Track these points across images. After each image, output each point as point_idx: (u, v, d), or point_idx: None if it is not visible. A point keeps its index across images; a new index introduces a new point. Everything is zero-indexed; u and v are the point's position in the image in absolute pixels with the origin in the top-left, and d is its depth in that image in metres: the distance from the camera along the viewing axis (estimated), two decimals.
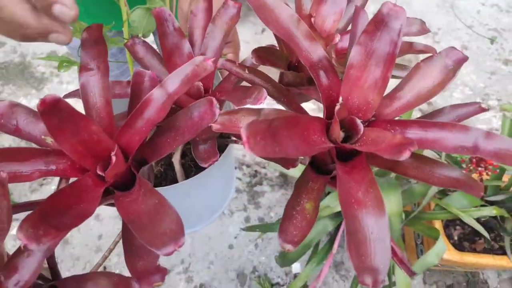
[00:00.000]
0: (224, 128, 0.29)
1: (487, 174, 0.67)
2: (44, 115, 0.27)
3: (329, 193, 0.95)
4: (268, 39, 1.58)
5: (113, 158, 0.29)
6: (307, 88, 0.41)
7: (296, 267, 1.12)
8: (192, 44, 0.41)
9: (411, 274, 0.45)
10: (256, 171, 1.27)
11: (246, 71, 0.34)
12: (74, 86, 1.46)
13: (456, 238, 0.93)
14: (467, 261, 0.85)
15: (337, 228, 0.85)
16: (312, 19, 0.38)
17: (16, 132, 0.31)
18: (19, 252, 0.28)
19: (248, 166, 1.33)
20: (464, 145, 0.26)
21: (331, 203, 0.79)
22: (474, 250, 0.90)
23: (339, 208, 0.76)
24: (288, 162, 0.32)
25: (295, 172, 0.84)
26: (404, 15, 0.29)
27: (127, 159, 0.32)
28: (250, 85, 0.35)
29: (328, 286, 1.08)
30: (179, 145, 0.31)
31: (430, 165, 0.30)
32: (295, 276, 1.11)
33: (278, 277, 1.11)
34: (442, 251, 0.73)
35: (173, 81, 0.30)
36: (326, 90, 0.32)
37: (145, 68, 0.42)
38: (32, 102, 1.39)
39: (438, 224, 0.88)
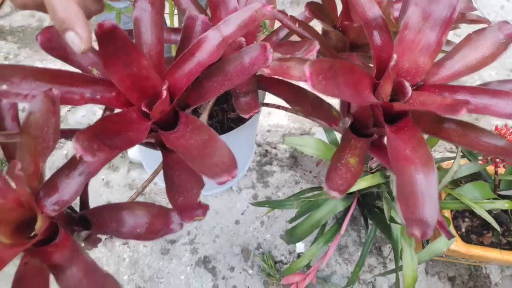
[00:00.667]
0: (275, 73, 0.29)
1: (503, 166, 0.68)
2: (100, 40, 0.28)
3: None
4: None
5: (164, 93, 0.29)
6: (349, 54, 0.41)
7: (300, 246, 1.13)
8: None
9: (450, 236, 0.46)
10: (266, 150, 1.27)
11: (297, 24, 0.34)
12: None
13: (463, 230, 0.94)
14: (473, 254, 0.86)
15: (347, 210, 0.85)
16: None
17: (63, 57, 0.31)
18: (60, 172, 0.28)
19: (259, 145, 1.33)
20: None
21: None
22: (481, 244, 0.90)
23: (351, 189, 0.76)
24: (332, 120, 0.32)
25: (309, 150, 0.84)
26: None
27: (172, 101, 0.32)
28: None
29: (330, 268, 1.09)
30: (226, 89, 0.31)
31: (475, 132, 0.30)
32: (299, 255, 1.12)
33: (282, 255, 1.12)
34: (452, 240, 0.73)
35: (229, 25, 0.30)
36: (378, 49, 0.31)
37: (182, 13, 0.42)
38: (48, 67, 1.41)
39: (447, 214, 0.89)
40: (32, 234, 0.28)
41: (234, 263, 1.12)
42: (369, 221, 0.92)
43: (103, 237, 1.10)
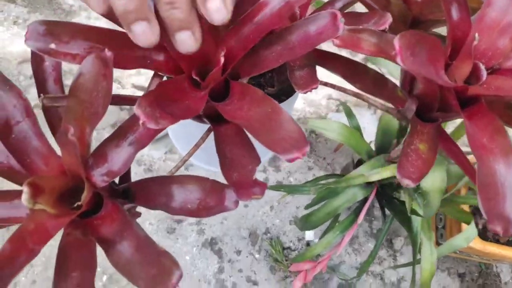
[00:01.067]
0: (345, 45, 0.27)
1: None
2: None
3: (359, 161, 0.94)
4: None
5: (221, 59, 0.26)
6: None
7: (309, 235, 1.13)
8: None
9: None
10: None
11: None
12: (102, 23, 1.33)
13: (481, 227, 0.94)
14: (489, 251, 0.86)
15: (365, 199, 0.84)
16: None
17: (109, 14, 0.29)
18: (109, 142, 0.26)
19: None
20: None
21: (366, 171, 0.78)
22: (497, 241, 0.90)
23: (372, 178, 0.74)
24: (397, 101, 0.30)
25: (332, 135, 0.81)
26: None
27: (225, 70, 0.29)
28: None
29: (339, 257, 1.10)
30: (286, 60, 0.29)
31: None
32: (308, 243, 1.12)
33: (290, 242, 1.12)
34: (473, 236, 0.73)
35: None
36: (454, 26, 0.29)
37: None
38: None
39: (467, 210, 0.88)
40: (76, 205, 0.26)
41: (241, 246, 1.12)
42: (386, 212, 0.91)
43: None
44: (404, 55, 0.20)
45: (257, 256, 1.11)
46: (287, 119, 0.24)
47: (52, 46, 0.25)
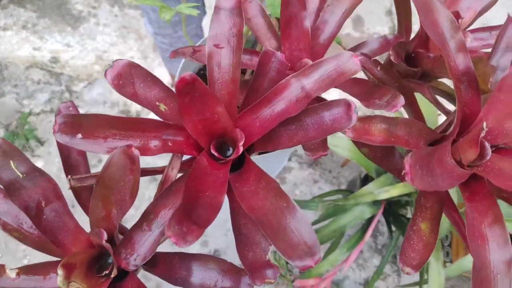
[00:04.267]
0: (358, 137, 0.30)
1: None
2: (180, 91, 0.28)
3: (366, 176, 0.96)
4: None
5: (240, 148, 0.29)
6: (420, 83, 0.40)
7: None
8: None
9: None
10: None
11: (379, 68, 0.34)
12: (110, 29, 1.41)
13: None
14: None
15: (373, 216, 0.87)
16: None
17: (133, 96, 0.32)
18: (136, 228, 0.30)
19: None
20: None
21: (375, 189, 0.80)
22: None
23: (381, 196, 0.77)
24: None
25: (342, 151, 0.83)
26: None
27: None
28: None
29: (344, 272, 1.13)
30: (300, 143, 0.31)
31: None
32: None
33: None
34: None
35: (310, 76, 0.30)
36: (464, 104, 0.32)
37: (250, 28, 0.41)
38: (66, 39, 1.38)
39: None
40: (104, 273, 0.30)
41: None
42: (392, 228, 0.93)
43: None
44: (414, 175, 0.23)
45: None
46: (301, 219, 0.27)
47: (79, 136, 0.28)
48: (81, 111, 1.24)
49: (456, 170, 0.29)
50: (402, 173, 0.24)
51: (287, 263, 1.11)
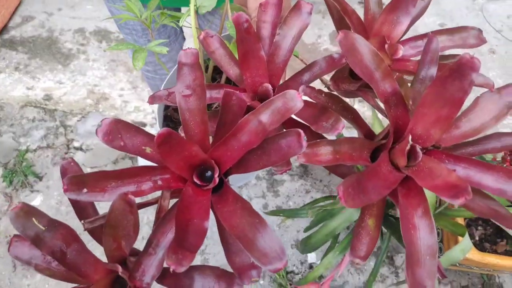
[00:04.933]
0: (308, 160, 0.37)
1: None
2: (160, 144, 0.35)
3: None
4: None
5: (217, 179, 0.37)
6: (364, 92, 0.47)
7: (311, 257, 1.22)
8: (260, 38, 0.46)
9: (443, 276, 0.55)
10: None
11: (323, 95, 0.40)
12: (100, 64, 1.53)
13: (477, 238, 1.01)
14: (488, 262, 0.93)
15: None
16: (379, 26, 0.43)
17: (123, 147, 0.38)
18: (143, 254, 0.37)
19: None
20: (505, 190, 0.34)
21: None
22: (495, 252, 0.97)
23: None
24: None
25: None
26: (479, 67, 0.35)
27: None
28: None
29: (342, 278, 1.19)
30: (265, 166, 0.39)
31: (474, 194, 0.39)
32: (311, 265, 1.20)
33: (294, 266, 1.21)
34: (468, 247, 0.79)
35: (266, 113, 0.37)
36: (395, 119, 0.39)
37: (214, 60, 0.47)
38: (58, 77, 1.49)
39: (461, 222, 0.94)
40: None
41: None
42: (383, 230, 0.95)
43: None
44: (347, 198, 0.31)
45: (261, 282, 1.19)
46: (269, 232, 0.35)
47: (85, 190, 0.35)
48: (77, 144, 1.34)
49: (390, 177, 0.37)
50: (336, 198, 0.31)
51: (286, 273, 1.17)
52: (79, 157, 1.33)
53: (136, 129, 0.40)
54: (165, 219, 0.39)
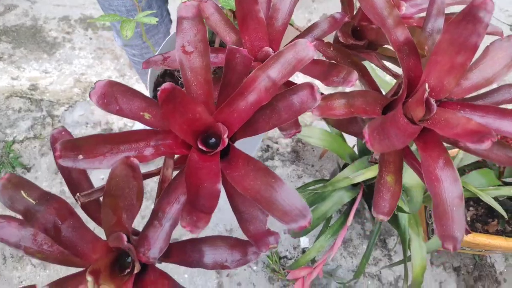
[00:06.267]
0: (323, 113, 0.35)
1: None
2: (163, 101, 0.32)
3: (345, 165, 0.99)
4: None
5: (225, 140, 0.34)
6: (367, 53, 0.45)
7: (304, 241, 1.20)
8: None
9: (468, 232, 0.54)
10: (268, 145, 1.32)
11: (331, 49, 0.38)
12: (86, 52, 1.50)
13: (469, 218, 1.02)
14: (479, 242, 0.93)
15: (353, 201, 0.90)
16: None
17: (119, 111, 0.35)
18: (149, 226, 0.34)
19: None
20: None
21: (350, 174, 0.84)
22: (486, 232, 0.98)
23: (357, 179, 0.81)
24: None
25: (315, 141, 0.86)
26: (492, 8, 0.34)
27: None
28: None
29: (336, 261, 1.19)
30: (276, 126, 0.36)
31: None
32: (303, 250, 1.20)
33: (286, 251, 1.21)
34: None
35: (275, 66, 0.34)
36: (408, 69, 0.37)
37: (209, 26, 0.45)
38: (43, 66, 1.47)
39: None
40: (126, 272, 0.34)
41: None
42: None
43: None
44: (373, 141, 0.29)
45: (255, 268, 1.18)
46: (289, 189, 0.32)
47: (80, 157, 0.32)
48: None
49: (408, 128, 0.35)
50: (363, 140, 0.29)
51: (280, 258, 1.16)
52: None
53: (133, 92, 0.37)
54: (170, 188, 0.36)
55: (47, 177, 1.26)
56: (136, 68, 1.03)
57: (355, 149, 0.96)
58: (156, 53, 0.57)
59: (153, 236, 0.34)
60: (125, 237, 0.31)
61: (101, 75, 1.44)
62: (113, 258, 0.36)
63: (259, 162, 0.35)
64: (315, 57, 0.39)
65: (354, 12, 0.47)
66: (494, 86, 0.43)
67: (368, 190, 0.95)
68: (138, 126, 1.27)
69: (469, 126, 0.35)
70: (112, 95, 0.36)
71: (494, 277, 1.18)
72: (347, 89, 0.38)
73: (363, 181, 0.86)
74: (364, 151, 0.93)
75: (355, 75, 0.37)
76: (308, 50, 0.35)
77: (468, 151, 0.39)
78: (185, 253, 0.37)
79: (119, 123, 1.34)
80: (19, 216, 0.33)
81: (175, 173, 0.40)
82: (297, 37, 0.46)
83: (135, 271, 0.34)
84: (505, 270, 1.20)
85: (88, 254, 0.35)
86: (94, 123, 1.35)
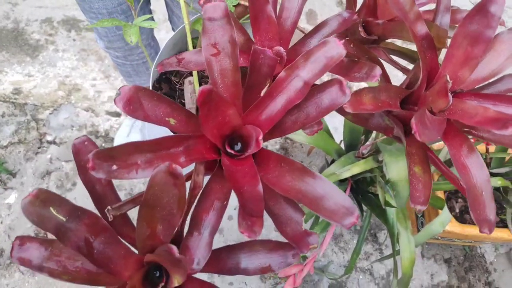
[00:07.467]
0: (355, 108, 0.35)
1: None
2: (202, 103, 0.31)
3: (333, 161, 1.00)
4: None
5: (260, 142, 0.33)
6: (375, 47, 0.47)
7: None
8: None
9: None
10: None
11: (351, 45, 0.39)
12: (70, 54, 1.46)
13: (458, 210, 1.04)
14: (468, 233, 0.96)
15: None
16: None
17: (145, 117, 0.33)
18: (188, 236, 0.33)
19: None
20: None
21: (337, 169, 0.83)
22: (475, 223, 1.00)
23: (344, 175, 0.80)
24: (387, 130, 0.40)
25: (302, 138, 0.86)
26: (504, 1, 0.36)
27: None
28: None
29: (327, 257, 1.19)
30: (302, 126, 0.36)
31: None
32: None
33: None
34: (447, 220, 0.80)
35: (306, 66, 0.34)
36: (426, 61, 0.39)
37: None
38: (26, 69, 1.42)
39: (440, 195, 0.96)
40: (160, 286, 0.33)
41: None
42: (364, 207, 0.95)
43: None
44: (421, 132, 0.30)
45: None
46: (332, 187, 0.32)
47: (114, 168, 0.30)
48: (49, 138, 1.29)
49: (440, 122, 0.36)
50: (413, 132, 0.30)
51: None
52: (52, 151, 1.26)
53: (158, 97, 0.35)
54: (204, 194, 0.35)
55: (33, 182, 1.22)
56: (120, 70, 1.01)
57: (342, 145, 0.97)
58: (157, 57, 0.55)
59: (194, 245, 0.33)
60: (175, 249, 0.29)
61: (86, 77, 1.41)
62: (144, 273, 0.34)
63: (296, 162, 0.35)
64: None
65: (357, 9, 0.49)
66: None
67: (356, 185, 0.96)
68: (133, 130, 1.23)
69: (488, 114, 0.37)
70: (138, 101, 0.34)
71: (484, 267, 1.22)
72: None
73: (351, 177, 0.88)
74: (351, 147, 0.94)
75: (378, 70, 0.38)
76: (337, 48, 0.35)
77: (487, 139, 0.41)
78: (220, 261, 0.36)
79: (105, 125, 1.32)
80: (50, 235, 0.30)
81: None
82: (306, 36, 0.47)
83: (175, 285, 0.32)
84: (495, 260, 1.24)
85: (120, 271, 0.33)
86: (80, 125, 1.32)
